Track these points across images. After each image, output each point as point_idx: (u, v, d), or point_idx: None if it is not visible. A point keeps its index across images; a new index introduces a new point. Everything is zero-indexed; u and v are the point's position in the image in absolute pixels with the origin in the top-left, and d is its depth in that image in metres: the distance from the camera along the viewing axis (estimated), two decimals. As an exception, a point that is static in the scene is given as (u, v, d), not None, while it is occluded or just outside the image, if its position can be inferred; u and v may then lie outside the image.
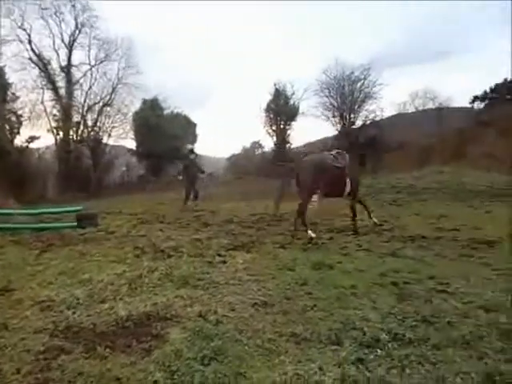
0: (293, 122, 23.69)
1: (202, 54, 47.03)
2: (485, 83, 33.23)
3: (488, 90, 20.39)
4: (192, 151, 11.26)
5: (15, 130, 19.90)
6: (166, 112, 24.55)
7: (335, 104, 22.37)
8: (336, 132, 22.89)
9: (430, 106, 22.66)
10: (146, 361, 2.37)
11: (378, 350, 2.40)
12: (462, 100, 32.28)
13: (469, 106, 21.15)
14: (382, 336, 2.56)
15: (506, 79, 19.79)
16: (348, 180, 6.52)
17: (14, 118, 19.86)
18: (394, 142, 20.07)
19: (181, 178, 11.44)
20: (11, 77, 20.08)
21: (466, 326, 2.68)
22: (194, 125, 26.18)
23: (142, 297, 3.52)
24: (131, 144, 24.48)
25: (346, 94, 21.95)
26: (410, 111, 23.35)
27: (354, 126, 22.26)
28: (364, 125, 22.09)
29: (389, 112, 22.96)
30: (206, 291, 3.65)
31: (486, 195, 9.73)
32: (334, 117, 22.58)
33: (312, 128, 40.23)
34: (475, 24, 42.45)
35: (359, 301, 3.29)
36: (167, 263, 4.60)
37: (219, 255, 5.04)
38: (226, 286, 3.81)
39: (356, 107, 22.00)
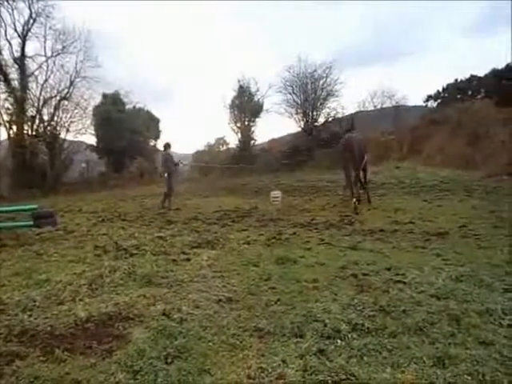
0: (257, 119, 23.79)
1: (165, 50, 45.96)
2: (437, 83, 35.14)
3: (440, 90, 21.54)
4: (169, 145, 11.00)
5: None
6: (127, 107, 23.76)
7: (298, 101, 22.66)
8: (299, 129, 23.22)
9: (388, 104, 23.51)
10: (107, 362, 2.33)
11: (339, 341, 2.50)
12: (416, 99, 33.72)
13: (423, 104, 22.24)
14: (342, 327, 2.66)
15: (456, 79, 20.98)
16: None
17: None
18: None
19: (162, 172, 11.08)
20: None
21: (420, 313, 2.85)
22: (158, 120, 25.60)
23: (103, 297, 3.44)
24: (91, 140, 23.55)
25: (308, 92, 22.21)
26: (369, 109, 24.09)
27: (316, 123, 22.65)
28: (326, 122, 22.53)
29: (350, 110, 23.57)
30: (170, 289, 3.63)
31: (438, 190, 10.29)
32: (297, 114, 22.86)
33: (276, 125, 40.59)
34: (433, 25, 44.31)
35: (321, 293, 3.40)
36: (129, 262, 4.51)
37: (183, 253, 5.00)
38: (191, 283, 3.80)
39: (318, 104, 22.36)
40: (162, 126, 26.04)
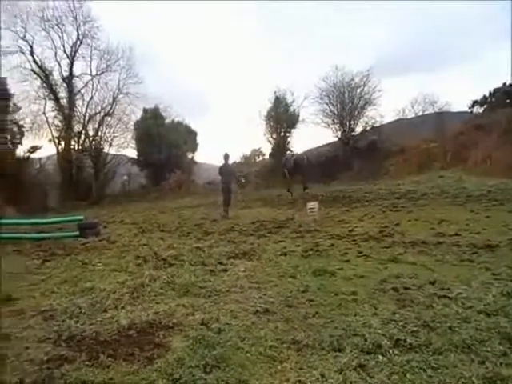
0: (293, 130, 23.78)
1: (202, 64, 47.37)
2: (484, 88, 33.52)
3: (487, 95, 20.50)
4: (227, 157, 10.96)
5: (17, 141, 20.02)
6: (166, 121, 24.65)
7: (335, 111, 22.41)
8: (336, 138, 22.92)
9: (430, 111, 22.72)
10: (148, 369, 2.38)
11: (380, 356, 2.41)
12: (461, 105, 32.31)
13: (468, 110, 21.25)
14: (383, 342, 2.57)
15: (504, 83, 19.86)
16: None
17: (15, 129, 19.99)
18: (395, 147, 20.12)
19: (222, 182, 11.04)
20: (13, 88, 20.25)
21: (468, 330, 2.69)
22: (195, 133, 26.32)
23: (144, 305, 3.54)
24: (132, 153, 24.62)
25: (345, 101, 21.93)
26: (409, 116, 23.40)
27: (354, 133, 22.29)
28: (364, 131, 22.10)
29: (389, 118, 22.99)
30: (208, 299, 3.67)
31: (485, 200, 9.74)
32: (334, 123, 22.59)
33: (312, 135, 40.35)
34: (476, 32, 42.65)
35: (360, 307, 3.30)
36: (169, 272, 4.62)
37: (220, 263, 5.06)
38: (228, 293, 3.83)
39: (356, 113, 22.00)
40: (199, 138, 26.71)
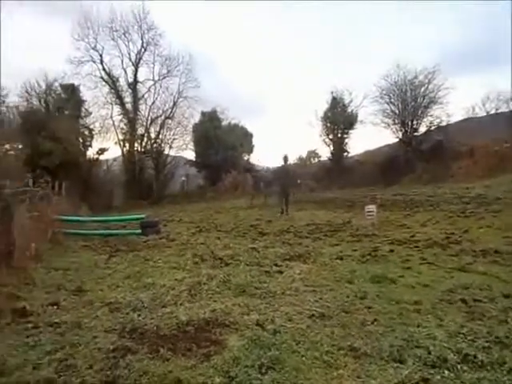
0: (350, 131, 23.12)
1: (258, 66, 47.64)
2: None
3: None
4: (287, 158, 11.11)
5: (87, 143, 21.75)
6: (223, 123, 25.30)
7: (396, 111, 21.38)
8: (397, 139, 21.86)
9: (504, 109, 20.79)
10: (205, 365, 2.44)
11: (446, 371, 2.25)
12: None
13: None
14: (449, 356, 2.39)
15: None
16: None
17: (86, 132, 21.73)
18: (463, 148, 18.69)
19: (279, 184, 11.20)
20: (85, 94, 22.11)
21: (549, 350, 2.42)
22: (251, 135, 26.70)
23: (201, 303, 3.64)
24: (191, 155, 25.58)
25: (408, 100, 20.80)
26: (480, 115, 21.61)
27: (416, 133, 21.10)
28: (428, 131, 20.82)
29: (457, 117, 21.38)
30: (263, 300, 3.68)
31: None
32: (394, 124, 21.53)
33: (370, 136, 38.87)
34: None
35: (424, 317, 3.11)
36: (225, 271, 4.72)
37: (276, 265, 5.06)
38: (283, 296, 3.81)
39: (419, 113, 20.78)
40: (254, 140, 27.01)
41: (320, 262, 5.23)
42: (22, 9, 35.22)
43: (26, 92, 19.83)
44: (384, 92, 21.59)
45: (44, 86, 20.28)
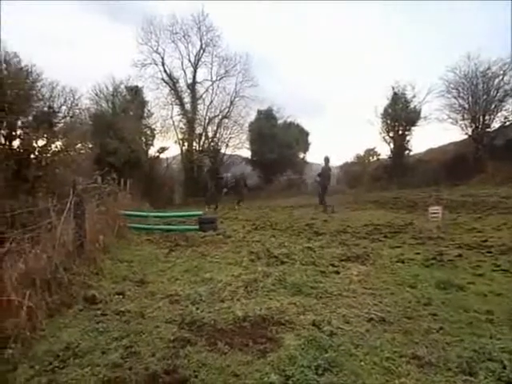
0: (413, 128, 21.85)
1: (316, 63, 46.90)
2: None
3: None
4: (328, 159, 11.21)
5: (149, 142, 22.94)
6: (279, 122, 25.31)
7: (465, 105, 19.79)
8: (465, 136, 20.24)
9: None
10: (261, 361, 2.45)
11: (524, 390, 2.04)
12: None
13: None
14: (528, 373, 2.17)
15: None
16: None
17: (148, 132, 22.92)
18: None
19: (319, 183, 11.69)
20: (148, 95, 23.36)
21: None
22: (307, 133, 26.39)
23: (257, 300, 3.67)
24: (247, 153, 25.93)
25: (479, 94, 19.13)
26: None
27: (488, 129, 19.39)
28: (502, 127, 19.03)
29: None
30: (319, 300, 3.62)
31: None
32: (463, 119, 19.93)
33: (435, 133, 36.57)
34: None
35: (497, 329, 2.87)
36: (280, 269, 4.70)
37: (332, 265, 4.95)
38: (340, 297, 3.72)
39: (492, 107, 19.06)
40: (310, 138, 26.69)
41: (379, 264, 5.02)
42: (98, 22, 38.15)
43: (96, 95, 21.34)
44: (452, 85, 20.08)
45: (111, 89, 21.70)
